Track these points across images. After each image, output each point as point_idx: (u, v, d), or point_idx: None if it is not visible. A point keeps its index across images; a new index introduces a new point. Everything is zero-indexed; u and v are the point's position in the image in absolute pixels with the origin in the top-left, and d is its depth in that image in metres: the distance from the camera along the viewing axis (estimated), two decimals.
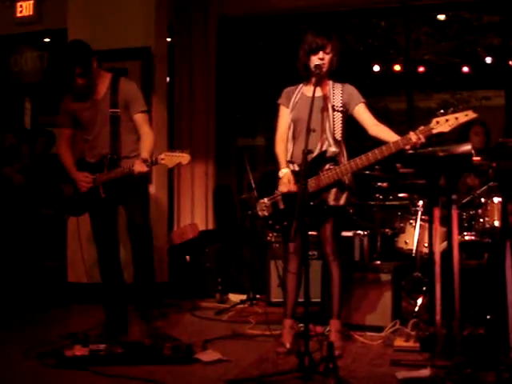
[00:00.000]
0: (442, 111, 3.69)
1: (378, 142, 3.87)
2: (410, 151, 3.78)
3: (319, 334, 4.20)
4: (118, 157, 4.34)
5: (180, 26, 7.06)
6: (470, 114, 3.60)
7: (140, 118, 4.39)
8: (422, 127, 3.70)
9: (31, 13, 7.21)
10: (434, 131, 3.65)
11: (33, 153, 6.02)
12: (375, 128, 3.96)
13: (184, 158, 4.08)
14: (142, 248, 4.39)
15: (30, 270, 5.90)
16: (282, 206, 4.02)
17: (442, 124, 3.62)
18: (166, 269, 6.02)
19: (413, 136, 3.68)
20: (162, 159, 4.09)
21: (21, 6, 7.25)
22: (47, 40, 7.53)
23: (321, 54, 3.95)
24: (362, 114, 4.01)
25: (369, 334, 4.39)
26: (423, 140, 3.68)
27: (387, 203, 5.65)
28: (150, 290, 4.47)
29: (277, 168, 4.07)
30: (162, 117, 5.97)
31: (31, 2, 7.21)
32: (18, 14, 7.25)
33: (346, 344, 4.11)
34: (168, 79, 6.43)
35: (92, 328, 4.38)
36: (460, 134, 5.28)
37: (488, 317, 4.26)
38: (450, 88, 10.40)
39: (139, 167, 4.14)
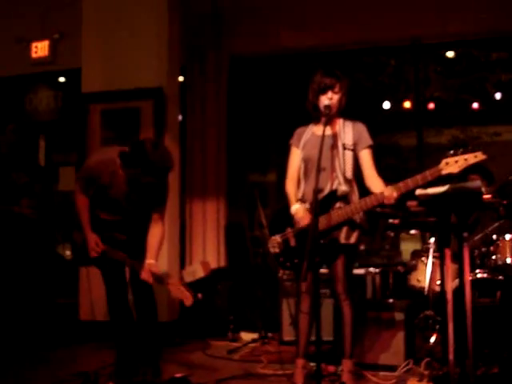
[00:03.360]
0: (451, 152, 3.70)
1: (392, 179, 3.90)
2: (421, 190, 3.80)
3: (331, 373, 4.17)
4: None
5: (192, 65, 7.16)
6: (479, 156, 3.60)
7: (157, 214, 4.27)
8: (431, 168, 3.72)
9: (46, 53, 7.34)
10: (443, 172, 3.65)
11: (46, 190, 6.08)
12: (370, 180, 3.99)
13: (188, 299, 3.97)
14: (144, 294, 4.35)
15: (42, 307, 5.91)
16: (293, 244, 4.03)
17: (452, 165, 3.63)
18: (177, 307, 6.01)
19: (386, 191, 3.75)
20: (168, 284, 4.01)
21: (36, 47, 7.38)
22: (62, 80, 7.67)
23: (329, 94, 3.99)
24: (366, 161, 4.03)
25: (382, 373, 4.35)
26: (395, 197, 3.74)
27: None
28: (154, 334, 4.41)
29: (288, 206, 4.09)
30: (175, 155, 6.01)
31: (46, 43, 7.35)
32: (34, 55, 7.38)
33: None
34: (180, 117, 6.50)
35: (103, 367, 4.37)
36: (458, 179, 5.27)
37: (502, 355, 4.22)
38: (460, 124, 10.43)
39: (146, 276, 4.05)
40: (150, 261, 4.12)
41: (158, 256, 4.18)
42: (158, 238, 4.23)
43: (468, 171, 4.93)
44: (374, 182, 3.97)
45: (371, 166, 4.03)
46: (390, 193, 3.75)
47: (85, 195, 4.26)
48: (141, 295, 4.34)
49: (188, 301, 3.96)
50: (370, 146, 4.05)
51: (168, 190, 4.30)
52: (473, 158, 3.60)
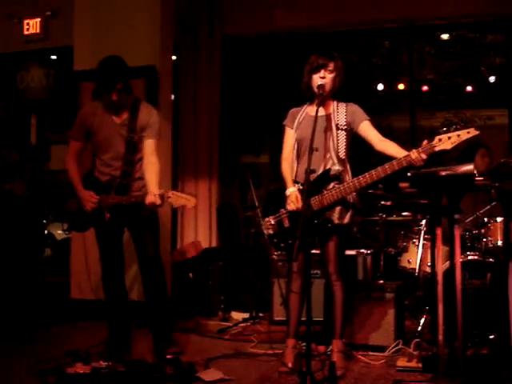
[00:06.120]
0: (444, 129, 3.71)
1: (383, 159, 3.87)
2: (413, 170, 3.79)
3: (322, 353, 4.18)
4: (127, 182, 4.30)
5: (185, 44, 7.11)
6: (472, 132, 3.61)
7: (150, 145, 4.34)
8: (424, 143, 3.71)
9: (38, 31, 7.27)
10: (437, 149, 3.65)
11: (36, 169, 6.06)
12: (381, 143, 3.95)
13: (190, 201, 4.03)
14: (155, 281, 4.39)
15: (33, 285, 5.90)
16: (287, 224, 4.03)
17: (445, 141, 3.62)
18: (168, 286, 6.00)
19: (413, 154, 3.70)
20: (169, 197, 4.03)
21: (28, 24, 7.31)
22: (54, 57, 7.60)
23: (322, 73, 3.96)
24: (368, 130, 4.01)
25: (371, 353, 4.37)
26: (425, 157, 3.69)
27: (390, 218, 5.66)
28: (165, 317, 4.44)
29: (283, 187, 4.08)
30: (167, 134, 5.99)
31: (38, 20, 7.27)
32: (25, 32, 7.31)
33: (348, 364, 4.10)
34: (172, 97, 6.45)
35: (94, 345, 4.37)
36: (461, 154, 5.28)
37: (491, 337, 4.25)
38: (453, 107, 10.46)
39: (153, 199, 4.04)
40: (152, 191, 4.13)
41: (157, 185, 4.20)
42: (155, 169, 4.29)
43: (478, 144, 5.02)
44: (388, 143, 3.92)
45: (377, 132, 4.00)
46: (416, 155, 3.70)
47: (75, 157, 4.41)
48: (148, 270, 4.37)
49: (190, 203, 4.03)
50: (367, 119, 4.03)
51: (154, 122, 4.37)
52: (465, 133, 3.60)
